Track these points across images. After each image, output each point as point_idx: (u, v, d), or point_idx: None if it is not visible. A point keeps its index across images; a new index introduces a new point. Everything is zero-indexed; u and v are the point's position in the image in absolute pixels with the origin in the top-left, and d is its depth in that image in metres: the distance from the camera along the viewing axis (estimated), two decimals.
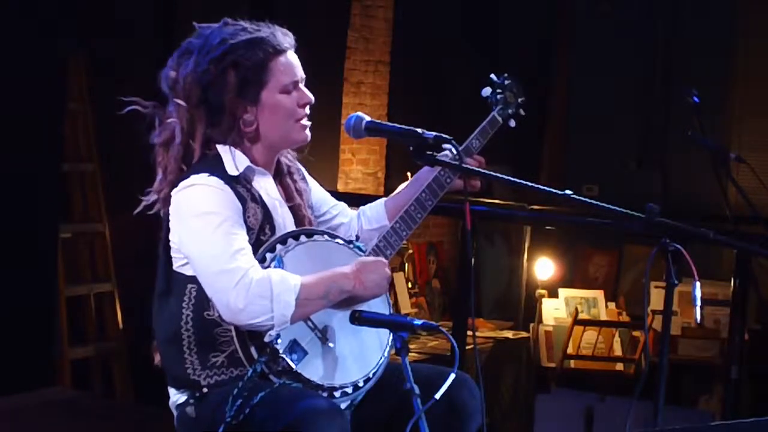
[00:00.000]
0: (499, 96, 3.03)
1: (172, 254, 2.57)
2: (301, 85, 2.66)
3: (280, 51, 2.62)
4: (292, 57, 2.65)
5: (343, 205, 2.93)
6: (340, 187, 6.26)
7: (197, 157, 2.60)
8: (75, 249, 5.31)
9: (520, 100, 3.07)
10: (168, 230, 2.58)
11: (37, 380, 4.73)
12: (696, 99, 4.38)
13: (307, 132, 2.68)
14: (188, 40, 2.65)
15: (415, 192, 2.81)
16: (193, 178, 2.54)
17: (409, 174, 6.11)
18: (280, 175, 2.73)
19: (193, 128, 2.60)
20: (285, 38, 2.65)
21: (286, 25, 2.70)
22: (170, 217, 2.58)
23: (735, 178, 4.71)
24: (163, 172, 2.63)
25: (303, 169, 2.83)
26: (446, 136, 2.55)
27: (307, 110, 2.66)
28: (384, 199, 2.95)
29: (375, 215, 2.91)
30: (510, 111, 3.04)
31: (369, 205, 2.95)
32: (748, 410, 5.23)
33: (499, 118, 3.01)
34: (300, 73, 2.66)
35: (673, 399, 5.81)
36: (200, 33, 2.64)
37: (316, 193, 2.85)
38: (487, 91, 3.05)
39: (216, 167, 2.56)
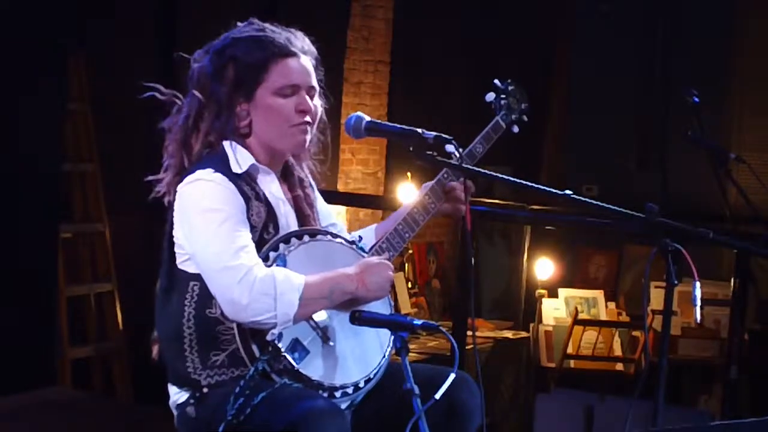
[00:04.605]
0: (502, 101, 3.05)
1: (176, 250, 2.58)
2: (304, 92, 2.65)
3: (285, 54, 2.62)
4: (298, 63, 2.64)
5: (342, 225, 2.94)
6: (340, 187, 6.26)
7: (197, 146, 2.61)
8: (75, 249, 5.31)
9: (523, 106, 3.09)
10: (172, 225, 2.59)
11: (37, 380, 4.73)
12: (696, 99, 4.38)
13: (304, 137, 2.66)
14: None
15: (401, 216, 2.79)
16: (198, 174, 2.54)
17: (409, 174, 6.17)
18: (287, 176, 2.73)
19: (200, 118, 2.62)
20: (297, 42, 2.65)
21: (285, 25, 2.70)
22: (174, 212, 2.58)
23: (735, 178, 4.71)
24: (169, 156, 2.66)
25: (311, 179, 2.83)
26: (446, 136, 2.55)
27: (307, 118, 2.65)
28: (375, 225, 2.96)
29: (366, 240, 2.89)
30: (513, 117, 3.06)
31: (361, 230, 2.96)
32: (748, 410, 5.24)
33: (503, 124, 3.03)
34: (304, 80, 2.64)
35: (673, 399, 5.81)
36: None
37: (319, 206, 2.85)
38: (490, 96, 3.05)
39: (221, 164, 2.57)
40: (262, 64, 2.60)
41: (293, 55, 2.63)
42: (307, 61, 2.67)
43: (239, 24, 2.69)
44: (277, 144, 2.66)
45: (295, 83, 2.63)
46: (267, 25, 2.67)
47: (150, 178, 2.69)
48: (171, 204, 2.61)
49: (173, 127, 2.66)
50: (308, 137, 2.67)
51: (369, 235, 2.91)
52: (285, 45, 2.63)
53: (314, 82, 2.67)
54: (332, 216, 2.91)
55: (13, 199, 4.71)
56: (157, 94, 2.71)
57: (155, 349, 2.66)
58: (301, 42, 2.67)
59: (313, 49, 2.70)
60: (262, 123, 2.63)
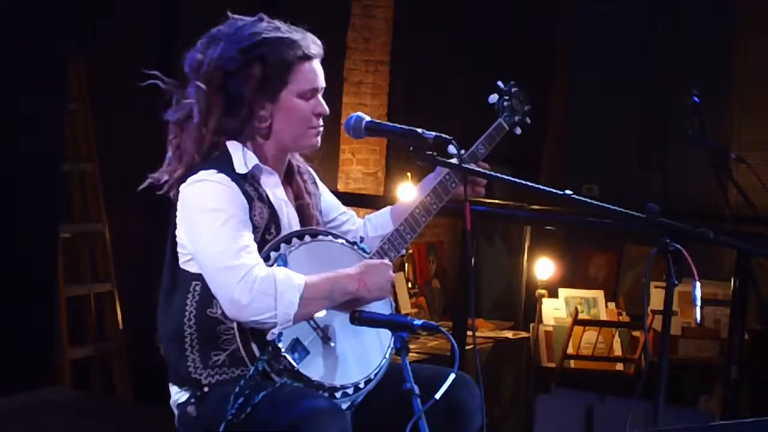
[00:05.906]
0: (506, 103, 3.04)
1: (178, 250, 2.58)
2: (320, 96, 2.67)
3: (307, 57, 2.63)
4: (317, 65, 2.66)
5: (352, 212, 2.95)
6: (340, 187, 6.26)
7: (207, 143, 2.60)
8: (75, 249, 5.31)
9: (526, 108, 3.08)
10: (174, 226, 2.59)
11: (37, 380, 4.73)
12: (696, 99, 4.38)
13: (317, 139, 2.69)
14: (218, 27, 2.65)
15: (420, 197, 2.81)
16: (201, 174, 2.54)
17: (409, 174, 6.17)
18: (290, 176, 2.74)
19: (209, 113, 2.60)
20: (315, 46, 2.66)
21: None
22: (177, 212, 2.58)
23: (735, 178, 4.71)
24: (175, 150, 2.64)
25: (314, 174, 2.84)
26: (446, 136, 2.55)
27: (321, 121, 2.68)
28: (390, 207, 2.97)
29: (381, 222, 2.92)
30: (516, 118, 3.05)
31: (375, 213, 2.97)
32: (748, 410, 5.23)
33: (506, 125, 3.02)
34: (321, 83, 2.66)
35: (673, 399, 5.80)
36: (232, 23, 2.65)
37: (326, 198, 2.86)
38: (494, 97, 3.05)
39: (225, 164, 2.57)
40: (290, 66, 2.60)
41: (315, 58, 2.65)
42: (319, 64, 2.68)
43: (237, 16, 2.66)
44: (293, 145, 2.68)
45: (316, 87, 2.65)
46: (280, 24, 2.66)
47: (153, 175, 2.68)
48: (175, 201, 2.61)
49: (185, 123, 2.62)
50: (320, 139, 2.69)
51: (384, 216, 2.92)
52: (309, 47, 2.63)
53: (324, 84, 2.69)
54: (340, 207, 2.91)
55: (13, 199, 4.71)
56: (160, 83, 2.69)
57: (162, 347, 2.66)
58: (316, 44, 2.67)
59: (322, 51, 2.70)
60: (282, 125, 2.63)
